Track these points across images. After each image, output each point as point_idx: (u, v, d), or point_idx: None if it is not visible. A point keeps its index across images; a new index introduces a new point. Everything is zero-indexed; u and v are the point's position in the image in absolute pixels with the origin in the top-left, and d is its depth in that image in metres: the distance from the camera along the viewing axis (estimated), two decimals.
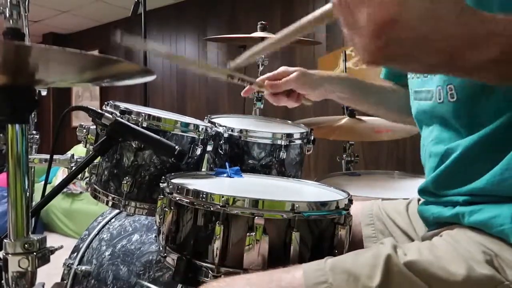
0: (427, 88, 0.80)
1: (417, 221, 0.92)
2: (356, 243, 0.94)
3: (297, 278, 0.65)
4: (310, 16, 0.63)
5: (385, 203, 1.01)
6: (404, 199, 1.02)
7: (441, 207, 0.79)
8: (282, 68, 1.05)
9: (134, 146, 1.01)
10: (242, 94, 1.07)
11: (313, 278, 0.64)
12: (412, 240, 0.91)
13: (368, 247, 0.93)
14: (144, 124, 1.01)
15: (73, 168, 1.19)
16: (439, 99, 0.76)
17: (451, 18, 0.44)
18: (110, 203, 1.05)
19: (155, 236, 1.13)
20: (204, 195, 0.76)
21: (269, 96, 1.05)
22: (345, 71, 2.34)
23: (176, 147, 0.90)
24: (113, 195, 1.04)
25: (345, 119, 1.81)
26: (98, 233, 1.30)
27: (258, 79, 0.98)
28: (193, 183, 0.90)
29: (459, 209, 0.73)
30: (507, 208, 0.66)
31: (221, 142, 1.16)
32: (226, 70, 0.91)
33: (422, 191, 0.86)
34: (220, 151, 1.16)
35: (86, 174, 1.10)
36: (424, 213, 0.84)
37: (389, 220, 0.95)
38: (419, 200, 0.98)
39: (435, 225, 0.81)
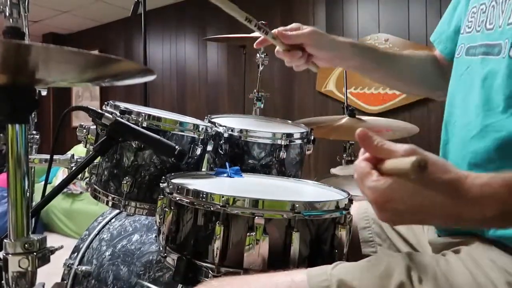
0: (493, 42, 0.73)
1: None
2: (354, 244, 0.92)
3: (298, 282, 0.64)
4: None
5: None
6: None
7: None
8: (296, 24, 0.98)
9: (134, 146, 1.01)
10: (255, 45, 0.99)
11: (317, 286, 0.63)
12: (408, 243, 0.89)
13: (366, 252, 0.92)
14: (144, 124, 1.01)
15: (73, 168, 1.19)
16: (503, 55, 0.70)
17: (440, 198, 0.52)
18: (110, 203, 1.05)
19: (155, 236, 1.13)
20: (204, 195, 0.76)
21: (283, 53, 0.96)
22: (345, 71, 2.34)
23: (176, 147, 0.90)
24: (113, 195, 1.04)
25: (345, 119, 1.81)
26: (98, 233, 1.30)
27: (273, 31, 0.94)
28: (193, 183, 0.90)
29: None
30: None
31: (221, 142, 1.16)
32: (245, 13, 0.89)
33: None
34: (220, 151, 1.16)
35: (86, 174, 1.10)
36: None
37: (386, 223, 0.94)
38: None
39: (449, 231, 0.76)
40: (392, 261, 0.65)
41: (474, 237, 0.69)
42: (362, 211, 0.97)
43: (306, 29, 0.95)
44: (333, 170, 2.02)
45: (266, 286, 0.65)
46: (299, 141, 1.19)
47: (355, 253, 0.88)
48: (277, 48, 0.96)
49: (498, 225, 0.58)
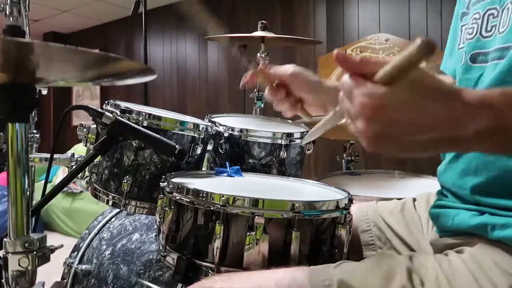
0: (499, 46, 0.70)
1: (412, 223, 0.90)
2: (356, 248, 0.92)
3: (299, 278, 0.64)
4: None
5: (380, 205, 0.98)
6: (398, 198, 0.98)
7: (464, 212, 0.70)
8: (287, 66, 0.94)
9: (134, 145, 1.01)
10: (241, 86, 0.94)
11: (319, 285, 0.63)
12: (408, 245, 0.89)
13: (367, 255, 0.92)
14: (145, 123, 1.01)
15: (74, 167, 1.19)
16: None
17: (436, 104, 0.49)
18: (111, 202, 1.05)
19: (155, 235, 1.13)
20: (204, 195, 0.76)
21: (268, 91, 0.92)
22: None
23: (177, 146, 0.90)
24: (113, 194, 1.04)
25: (345, 119, 1.81)
26: (98, 232, 1.30)
27: (258, 66, 0.91)
28: (193, 182, 0.90)
29: (488, 218, 0.65)
30: None
31: (222, 141, 1.16)
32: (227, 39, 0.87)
33: (443, 189, 0.78)
34: (221, 151, 1.16)
35: (87, 173, 1.10)
36: (440, 218, 0.75)
37: (385, 225, 0.93)
38: (414, 200, 0.96)
39: (452, 231, 0.74)
40: (393, 263, 0.65)
41: (477, 238, 0.67)
42: (362, 213, 0.96)
43: (289, 67, 0.90)
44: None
45: (266, 282, 0.65)
46: (299, 141, 1.19)
47: (357, 257, 0.88)
48: (266, 91, 0.92)
49: (489, 146, 0.52)
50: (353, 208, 0.94)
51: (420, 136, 0.50)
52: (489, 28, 0.75)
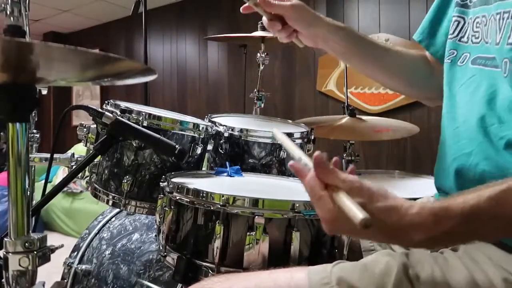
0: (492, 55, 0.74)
1: None
2: (356, 253, 0.92)
3: (299, 279, 0.64)
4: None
5: None
6: None
7: None
8: None
9: (134, 145, 1.01)
10: (241, 10, 0.96)
11: (318, 285, 0.63)
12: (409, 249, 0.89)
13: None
14: (145, 123, 1.01)
15: (74, 167, 1.19)
16: (504, 74, 0.70)
17: (379, 225, 0.57)
18: (111, 202, 1.05)
19: (155, 235, 1.13)
20: (204, 194, 0.76)
21: (266, 22, 0.95)
22: (346, 71, 2.34)
23: (177, 146, 0.90)
24: (113, 194, 1.04)
25: (345, 119, 1.81)
26: (98, 232, 1.30)
27: None
28: (193, 182, 0.90)
29: None
30: None
31: (222, 141, 1.16)
32: None
33: (442, 187, 0.81)
34: (221, 150, 1.16)
35: (87, 173, 1.10)
36: None
37: None
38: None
39: None
40: (390, 260, 0.66)
41: None
42: None
43: (291, 1, 0.93)
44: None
45: (265, 282, 0.65)
46: (299, 141, 1.19)
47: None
48: (264, 17, 0.95)
49: (425, 247, 0.64)
50: None
51: (372, 238, 0.68)
52: (485, 34, 0.78)
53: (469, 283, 0.62)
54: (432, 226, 0.56)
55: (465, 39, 0.85)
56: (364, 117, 1.83)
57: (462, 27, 0.85)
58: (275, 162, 1.16)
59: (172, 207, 0.80)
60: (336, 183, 0.58)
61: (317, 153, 0.59)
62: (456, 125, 0.80)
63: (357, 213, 0.53)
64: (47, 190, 0.88)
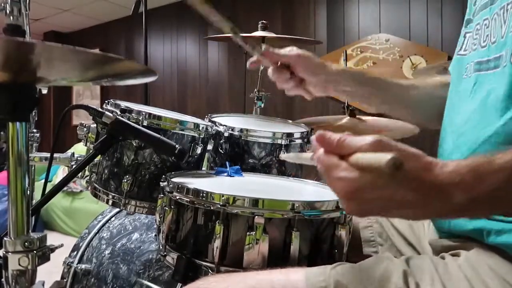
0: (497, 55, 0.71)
1: (415, 222, 0.91)
2: (355, 244, 0.92)
3: (297, 281, 0.64)
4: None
5: None
6: None
7: None
8: (291, 47, 0.96)
9: (134, 144, 1.01)
10: (248, 66, 0.97)
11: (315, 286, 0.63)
12: (409, 242, 0.89)
13: (367, 252, 0.92)
14: (145, 123, 1.01)
15: (74, 166, 1.19)
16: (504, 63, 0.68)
17: (407, 192, 0.51)
18: (111, 201, 1.05)
19: (155, 235, 1.13)
20: (204, 194, 0.76)
21: (272, 71, 0.95)
22: None
23: (177, 146, 0.90)
24: (113, 194, 1.04)
25: (345, 119, 1.81)
26: (98, 232, 1.30)
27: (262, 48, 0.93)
28: (193, 182, 0.90)
29: (485, 223, 0.65)
30: None
31: (222, 141, 1.16)
32: (232, 26, 0.88)
33: None
34: (221, 150, 1.16)
35: (87, 173, 1.10)
36: (438, 219, 0.77)
37: (388, 223, 0.93)
38: None
39: (449, 233, 0.75)
40: (390, 265, 0.65)
41: (474, 242, 0.68)
42: None
43: (292, 48, 0.93)
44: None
45: (261, 283, 0.65)
46: (299, 141, 1.19)
47: (356, 253, 0.88)
48: (269, 70, 0.95)
49: (465, 214, 0.57)
50: None
51: (396, 211, 0.55)
52: (484, 39, 0.76)
53: None
54: (473, 183, 0.51)
55: (462, 51, 0.85)
56: (364, 117, 1.83)
57: (463, 41, 0.85)
58: (275, 162, 1.16)
59: (172, 206, 0.80)
60: (356, 147, 0.53)
61: (316, 134, 0.55)
62: (455, 137, 0.78)
63: (383, 156, 0.47)
64: (47, 190, 0.88)
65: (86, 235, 1.31)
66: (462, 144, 0.74)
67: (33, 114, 1.38)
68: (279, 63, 0.94)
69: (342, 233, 0.78)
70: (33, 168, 1.39)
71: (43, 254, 0.69)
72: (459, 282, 0.62)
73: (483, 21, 0.78)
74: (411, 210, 0.53)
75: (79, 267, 1.22)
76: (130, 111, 1.02)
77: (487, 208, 0.54)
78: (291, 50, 0.93)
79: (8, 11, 0.97)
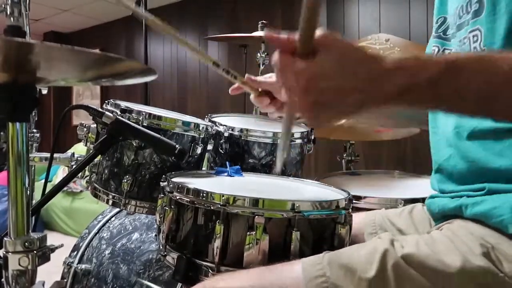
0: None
1: (421, 223, 0.92)
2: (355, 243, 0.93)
3: (295, 271, 0.66)
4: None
5: (388, 211, 1.01)
6: (402, 199, 1.00)
7: (447, 199, 0.80)
8: (270, 74, 0.95)
9: (134, 144, 1.01)
10: (230, 92, 1.00)
11: (311, 271, 0.65)
12: None
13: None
14: (145, 123, 1.01)
15: (74, 166, 1.19)
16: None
17: (359, 68, 0.56)
18: (111, 201, 1.05)
19: (155, 235, 1.14)
20: (204, 194, 0.76)
21: (253, 98, 0.95)
22: None
23: (177, 146, 0.90)
24: (113, 194, 1.04)
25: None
26: (98, 232, 1.30)
27: (245, 77, 0.93)
28: (193, 182, 0.90)
29: (463, 200, 0.74)
30: (509, 198, 0.67)
31: (222, 141, 1.16)
32: (213, 58, 0.90)
33: (436, 183, 0.86)
34: (221, 150, 1.16)
35: (87, 173, 1.10)
36: (431, 206, 0.85)
37: (393, 227, 0.94)
38: (423, 205, 0.98)
39: (441, 219, 0.82)
40: (378, 240, 0.70)
41: (455, 218, 0.76)
42: (370, 218, 0.99)
43: (271, 75, 0.93)
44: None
45: (266, 275, 0.67)
46: (299, 141, 1.19)
47: None
48: (251, 96, 0.95)
49: (410, 99, 0.60)
50: (361, 215, 0.98)
51: (349, 99, 0.57)
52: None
53: (450, 248, 0.66)
54: (416, 69, 0.57)
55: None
56: None
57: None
58: (275, 162, 1.16)
59: (172, 206, 0.80)
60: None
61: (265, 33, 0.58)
62: (437, 138, 0.86)
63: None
64: (47, 190, 0.88)
65: (86, 235, 1.31)
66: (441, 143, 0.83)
67: (33, 114, 1.38)
68: (259, 89, 0.94)
69: (342, 232, 0.78)
70: (33, 168, 1.39)
71: (43, 254, 0.69)
72: (442, 243, 0.68)
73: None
74: (362, 95, 0.57)
75: (79, 267, 1.22)
76: (130, 111, 1.02)
77: (430, 95, 0.59)
78: (270, 77, 0.94)
79: (8, 12, 0.97)
